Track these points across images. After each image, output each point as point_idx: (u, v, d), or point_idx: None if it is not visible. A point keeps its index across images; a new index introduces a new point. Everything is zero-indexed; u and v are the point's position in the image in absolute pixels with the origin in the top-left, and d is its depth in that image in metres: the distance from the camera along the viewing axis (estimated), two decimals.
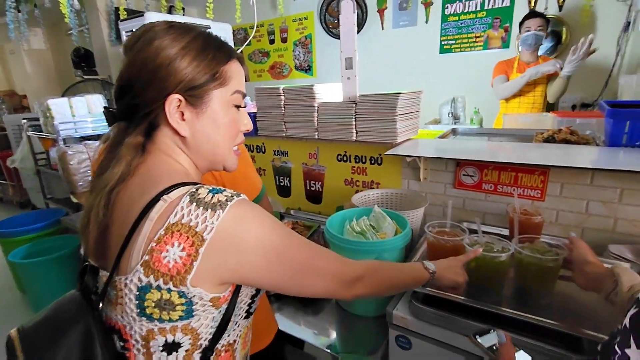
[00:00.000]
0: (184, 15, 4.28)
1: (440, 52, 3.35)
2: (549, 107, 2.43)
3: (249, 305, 0.58)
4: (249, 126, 0.64)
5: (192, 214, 0.48)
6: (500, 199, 1.21)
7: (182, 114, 0.56)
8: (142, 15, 2.51)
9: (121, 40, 3.25)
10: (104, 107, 0.59)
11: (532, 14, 2.41)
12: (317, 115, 1.49)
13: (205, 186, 0.51)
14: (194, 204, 0.48)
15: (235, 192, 0.51)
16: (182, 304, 0.48)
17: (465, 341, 0.81)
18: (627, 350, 0.40)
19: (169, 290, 0.47)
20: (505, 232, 1.15)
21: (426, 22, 3.36)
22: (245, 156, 1.03)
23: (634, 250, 0.98)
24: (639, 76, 1.38)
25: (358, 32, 3.46)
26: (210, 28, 3.07)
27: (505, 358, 0.53)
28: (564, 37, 2.84)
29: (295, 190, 1.77)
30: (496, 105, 2.63)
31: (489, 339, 0.56)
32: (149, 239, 0.47)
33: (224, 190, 0.51)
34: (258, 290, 0.59)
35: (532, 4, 2.85)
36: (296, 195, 1.77)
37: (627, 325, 0.41)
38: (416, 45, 3.44)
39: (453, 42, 3.27)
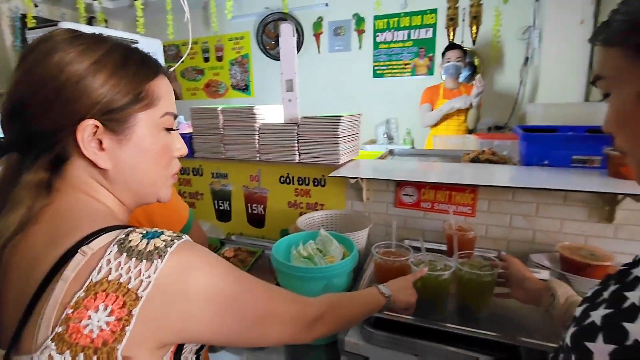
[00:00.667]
0: (107, 27, 3.97)
1: (374, 77, 3.56)
2: (471, 130, 2.72)
3: None
4: (183, 150, 0.56)
5: (122, 268, 0.39)
6: (437, 216, 1.28)
7: (100, 143, 0.46)
8: (56, 25, 2.26)
9: None
10: None
11: (452, 46, 2.69)
12: (258, 136, 1.46)
13: (137, 230, 0.42)
14: (124, 254, 0.39)
15: (175, 234, 0.43)
16: None
17: None
18: None
19: None
20: (443, 247, 1.21)
21: (359, 48, 3.56)
22: None
23: (550, 257, 1.10)
24: (544, 104, 1.60)
25: None
26: (137, 43, 2.88)
27: None
28: (477, 67, 3.21)
29: (235, 215, 1.69)
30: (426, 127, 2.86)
31: None
32: (62, 305, 0.37)
33: (162, 233, 0.43)
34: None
35: (451, 37, 3.19)
36: (237, 219, 1.69)
37: (569, 344, 0.44)
38: (351, 69, 3.62)
39: (385, 67, 3.50)
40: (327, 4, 3.56)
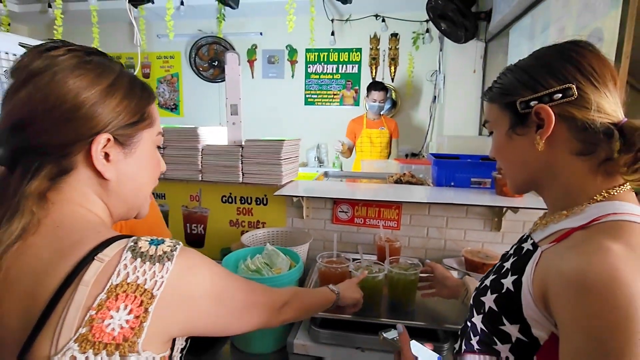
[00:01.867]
0: (8, 32, 3.57)
1: (305, 104, 3.80)
2: (387, 155, 3.06)
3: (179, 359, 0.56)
4: (164, 167, 0.64)
5: (138, 271, 0.44)
6: (369, 231, 1.45)
7: (107, 155, 0.51)
8: None
9: None
10: None
11: (377, 85, 2.95)
12: (202, 157, 1.49)
13: (142, 238, 0.48)
14: (139, 259, 0.45)
15: (174, 240, 0.50)
16: None
17: (358, 353, 0.94)
18: (472, 319, 0.60)
19: None
20: (374, 257, 1.37)
21: (292, 77, 3.78)
22: (154, 205, 0.97)
23: (458, 261, 1.33)
24: (449, 136, 1.94)
25: None
26: None
27: (403, 344, 0.68)
28: (396, 101, 3.65)
29: (172, 235, 1.66)
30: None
31: (392, 333, 0.71)
32: (85, 308, 0.41)
33: (164, 240, 0.49)
34: (187, 342, 0.57)
35: (374, 74, 3.59)
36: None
37: (472, 303, 0.61)
38: (284, 95, 3.81)
39: (315, 96, 3.76)
40: (261, 33, 3.73)
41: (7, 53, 2.25)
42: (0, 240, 0.43)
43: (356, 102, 3.70)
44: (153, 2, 2.75)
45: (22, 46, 2.38)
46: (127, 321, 0.42)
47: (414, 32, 3.43)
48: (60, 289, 0.41)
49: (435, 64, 3.34)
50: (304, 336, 0.97)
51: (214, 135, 1.60)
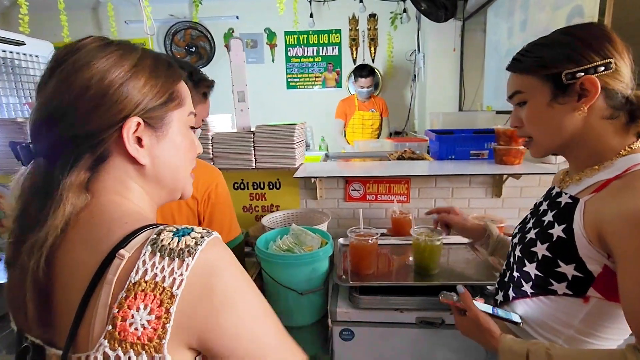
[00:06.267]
0: None
1: (287, 88, 3.79)
2: (377, 135, 3.15)
3: None
4: (200, 148, 0.60)
5: (156, 267, 0.40)
6: (381, 206, 1.54)
7: (139, 140, 0.48)
8: None
9: None
10: (12, 142, 0.46)
11: (363, 70, 2.93)
12: (212, 145, 1.51)
13: (168, 228, 0.44)
14: (158, 254, 0.41)
15: (205, 231, 0.44)
16: None
17: (395, 314, 1.03)
18: (524, 269, 0.69)
19: None
20: (384, 230, 1.46)
21: (272, 61, 3.74)
22: (222, 191, 1.11)
23: None
24: (444, 113, 2.05)
25: (207, 64, 3.64)
26: (24, 44, 2.49)
27: (466, 301, 0.74)
28: (377, 82, 3.72)
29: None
30: (337, 134, 3.21)
31: (452, 294, 0.78)
32: (109, 307, 0.40)
33: (192, 229, 0.44)
34: None
35: (354, 55, 3.64)
36: None
37: (520, 255, 0.70)
38: (266, 80, 3.77)
39: (297, 79, 3.76)
40: (237, 17, 3.64)
41: None
42: (47, 233, 0.42)
43: (339, 84, 3.74)
44: None
45: None
46: (148, 322, 0.40)
47: (391, 12, 3.48)
48: (90, 285, 0.41)
49: (414, 44, 3.43)
50: (345, 304, 1.05)
51: (218, 122, 1.61)
